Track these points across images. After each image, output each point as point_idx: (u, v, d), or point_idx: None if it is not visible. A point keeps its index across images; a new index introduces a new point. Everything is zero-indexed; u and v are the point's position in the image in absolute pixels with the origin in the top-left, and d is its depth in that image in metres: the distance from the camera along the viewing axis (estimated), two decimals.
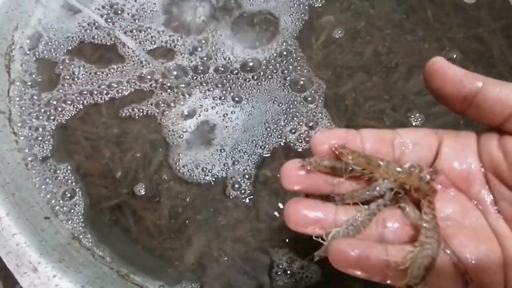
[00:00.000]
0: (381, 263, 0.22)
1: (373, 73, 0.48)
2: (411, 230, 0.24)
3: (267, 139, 0.45)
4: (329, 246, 0.23)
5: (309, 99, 0.47)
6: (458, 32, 0.50)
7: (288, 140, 0.45)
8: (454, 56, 0.48)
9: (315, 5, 0.52)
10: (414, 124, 0.45)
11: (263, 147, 0.44)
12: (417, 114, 0.45)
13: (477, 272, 0.23)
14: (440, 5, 0.52)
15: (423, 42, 0.49)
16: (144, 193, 0.44)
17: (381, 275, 0.22)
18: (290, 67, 0.48)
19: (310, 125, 0.45)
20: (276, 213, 0.42)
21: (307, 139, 0.44)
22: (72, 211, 0.42)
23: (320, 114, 0.46)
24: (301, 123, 0.45)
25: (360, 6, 0.53)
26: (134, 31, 0.52)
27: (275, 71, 0.48)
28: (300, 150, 0.44)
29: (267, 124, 0.46)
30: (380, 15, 0.52)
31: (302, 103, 0.46)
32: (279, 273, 0.39)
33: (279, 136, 0.45)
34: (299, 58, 0.49)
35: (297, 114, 0.46)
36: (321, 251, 0.24)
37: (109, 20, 0.53)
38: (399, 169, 0.25)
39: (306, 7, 0.52)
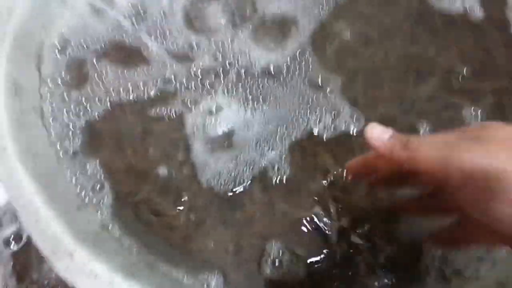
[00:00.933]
0: None
1: (384, 79, 0.51)
2: None
3: (295, 128, 0.48)
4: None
5: (327, 90, 0.50)
6: (466, 42, 0.52)
7: (313, 129, 0.48)
8: (464, 70, 0.51)
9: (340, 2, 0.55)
10: (423, 129, 0.48)
11: (291, 133, 0.48)
12: (426, 120, 0.48)
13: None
14: (448, 16, 0.54)
15: (432, 50, 0.52)
16: (165, 189, 0.46)
17: None
18: (308, 68, 0.51)
19: (333, 113, 0.48)
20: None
21: (333, 126, 0.48)
22: (101, 203, 0.45)
23: (341, 104, 0.49)
24: (325, 114, 0.48)
25: (373, 14, 0.55)
26: (157, 32, 0.55)
27: (296, 72, 0.51)
28: (329, 137, 0.48)
29: (293, 113, 0.49)
30: (392, 23, 0.54)
31: (322, 94, 0.50)
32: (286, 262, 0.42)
33: (306, 124, 0.48)
34: (312, 60, 0.52)
35: (319, 105, 0.49)
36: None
37: (133, 21, 0.55)
38: None
39: (322, 11, 0.55)
